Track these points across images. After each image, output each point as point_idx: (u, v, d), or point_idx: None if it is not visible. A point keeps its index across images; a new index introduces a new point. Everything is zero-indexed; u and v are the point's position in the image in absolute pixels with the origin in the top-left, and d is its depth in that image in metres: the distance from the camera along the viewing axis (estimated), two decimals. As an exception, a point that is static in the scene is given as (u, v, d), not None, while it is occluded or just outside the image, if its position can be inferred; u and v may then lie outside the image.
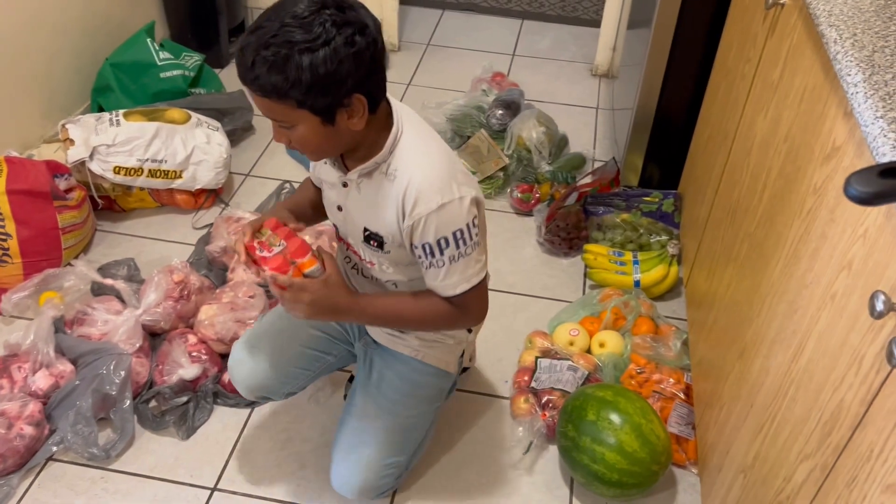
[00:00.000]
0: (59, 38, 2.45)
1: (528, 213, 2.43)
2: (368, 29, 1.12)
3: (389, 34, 3.28)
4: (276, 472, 1.67)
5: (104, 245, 2.25)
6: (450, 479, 1.68)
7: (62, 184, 2.08)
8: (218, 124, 2.44)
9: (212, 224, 2.26)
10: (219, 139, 2.37)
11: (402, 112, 1.27)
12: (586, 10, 3.68)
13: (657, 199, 2.26)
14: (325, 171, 1.36)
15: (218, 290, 1.99)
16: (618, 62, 3.10)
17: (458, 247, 1.24)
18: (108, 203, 2.32)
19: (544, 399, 1.76)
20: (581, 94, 3.08)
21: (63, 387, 1.72)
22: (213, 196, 2.42)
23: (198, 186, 2.32)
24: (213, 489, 1.64)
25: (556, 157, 2.55)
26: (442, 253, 1.25)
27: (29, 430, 1.64)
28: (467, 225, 1.24)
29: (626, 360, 1.86)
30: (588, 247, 2.21)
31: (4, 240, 1.99)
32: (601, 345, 1.91)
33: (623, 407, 1.57)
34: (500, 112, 2.58)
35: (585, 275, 2.22)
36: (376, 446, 1.47)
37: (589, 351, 1.92)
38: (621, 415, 1.56)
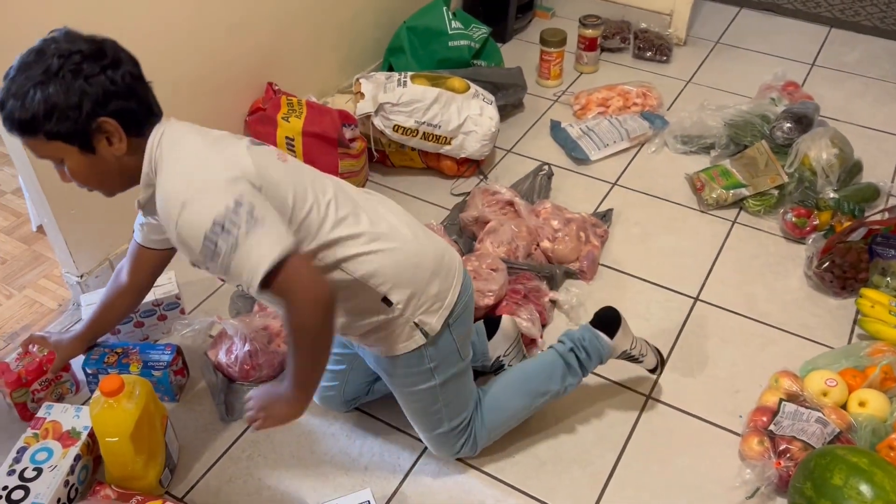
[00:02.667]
0: (367, -2, 2.65)
1: (800, 241, 2.20)
2: (102, 54, 1.18)
3: (678, 27, 3.13)
4: (488, 445, 1.71)
5: (371, 195, 2.42)
6: (656, 497, 1.60)
7: (347, 133, 2.26)
8: (492, 98, 2.49)
9: (468, 193, 2.33)
10: (490, 112, 2.42)
11: (167, 128, 1.26)
12: (912, 24, 3.22)
13: (965, 254, 1.94)
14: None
15: (464, 257, 2.06)
16: (942, 88, 2.69)
17: (218, 245, 1.15)
18: (382, 157, 2.49)
19: (782, 447, 1.60)
20: (887, 119, 2.72)
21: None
22: (474, 166, 2.49)
23: (463, 155, 2.40)
24: (428, 445, 1.71)
25: (844, 184, 2.28)
26: (217, 256, 1.16)
27: (284, 348, 1.83)
28: (214, 223, 1.14)
29: (889, 427, 1.63)
30: (865, 291, 1.96)
31: (292, 175, 2.21)
32: (861, 404, 1.69)
33: (879, 480, 1.38)
34: (789, 125, 2.36)
35: (856, 322, 1.97)
36: (419, 427, 1.57)
37: (844, 407, 1.71)
38: (875, 489, 1.37)
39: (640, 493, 1.61)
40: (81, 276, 2.00)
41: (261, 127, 2.27)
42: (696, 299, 2.05)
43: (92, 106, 1.17)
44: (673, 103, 2.83)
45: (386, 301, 1.37)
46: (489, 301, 1.92)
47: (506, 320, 1.76)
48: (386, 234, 1.36)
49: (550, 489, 1.62)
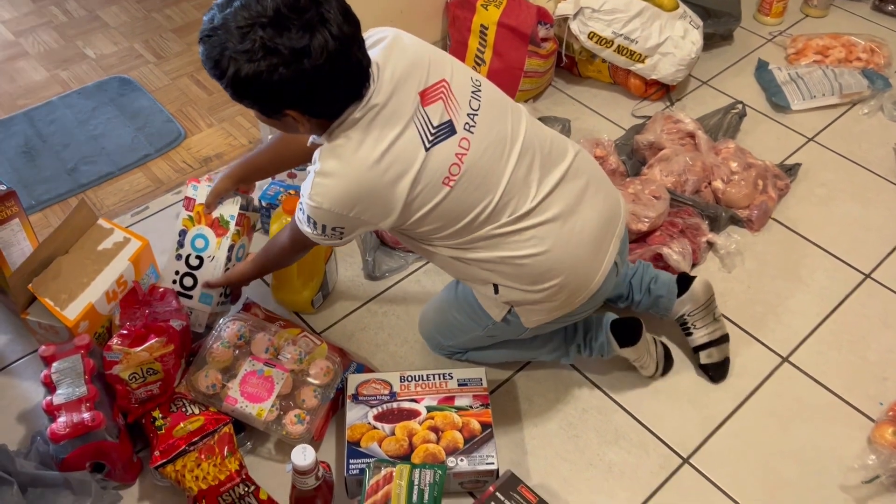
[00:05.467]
0: None
1: None
2: (305, 55, 1.09)
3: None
4: (607, 359, 1.72)
5: (551, 100, 2.41)
6: (767, 455, 1.56)
7: (541, 32, 2.24)
8: (700, 23, 2.36)
9: (650, 117, 2.26)
10: (694, 37, 2.30)
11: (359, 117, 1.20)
12: None
13: None
14: None
15: (628, 179, 2.02)
16: None
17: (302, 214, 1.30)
18: (570, 64, 2.45)
19: (918, 443, 1.50)
20: None
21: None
22: (663, 91, 2.39)
23: (654, 76, 2.32)
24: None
25: None
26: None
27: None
28: (305, 205, 1.27)
29: None
30: None
31: (478, 65, 2.23)
32: None
33: None
34: None
35: None
36: (426, 313, 1.67)
37: None
38: None
39: (749, 447, 1.58)
40: (272, 120, 2.17)
41: (460, 11, 2.30)
42: (868, 276, 1.91)
43: (277, 103, 1.17)
44: (904, 66, 2.55)
45: (495, 287, 1.39)
46: (643, 227, 1.89)
47: (698, 284, 1.65)
48: (538, 241, 1.33)
49: (658, 418, 1.62)
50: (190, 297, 1.65)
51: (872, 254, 1.96)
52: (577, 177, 1.37)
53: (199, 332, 1.67)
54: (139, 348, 1.46)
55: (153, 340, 1.48)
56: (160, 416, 1.49)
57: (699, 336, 1.66)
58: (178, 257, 1.65)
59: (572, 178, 1.36)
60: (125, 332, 1.49)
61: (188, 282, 1.64)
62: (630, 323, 1.59)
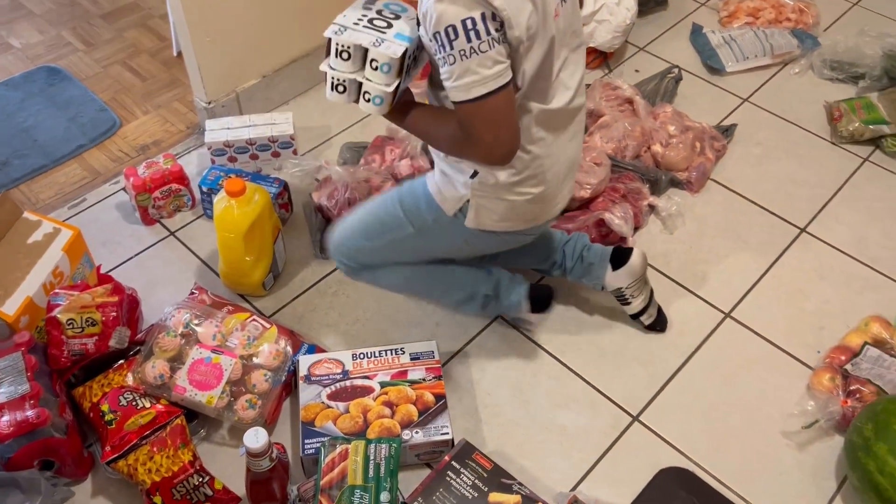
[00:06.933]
0: None
1: (934, 190, 2.05)
2: None
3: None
4: (556, 325, 1.75)
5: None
6: (712, 407, 1.61)
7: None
8: (634, -11, 2.38)
9: (589, 85, 2.28)
10: (629, 4, 2.32)
11: None
12: None
13: None
14: None
15: (570, 147, 2.04)
16: None
17: (450, 46, 1.13)
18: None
19: (853, 387, 1.56)
20: None
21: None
22: (601, 58, 2.42)
23: (591, 44, 2.33)
24: (498, 316, 1.78)
25: None
26: (442, 48, 1.14)
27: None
28: (462, 23, 1.11)
29: (977, 393, 1.56)
30: None
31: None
32: (953, 364, 1.61)
33: (945, 436, 1.34)
34: (956, 65, 2.14)
35: (973, 283, 1.85)
36: (350, 221, 1.56)
37: (934, 364, 1.64)
38: (939, 443, 1.33)
39: (695, 401, 1.63)
40: (209, 103, 2.13)
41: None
42: (803, 230, 1.97)
43: None
44: (831, 25, 2.61)
45: (474, 173, 1.35)
46: (585, 194, 1.91)
47: (636, 258, 1.65)
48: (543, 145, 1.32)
49: (606, 380, 1.66)
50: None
51: (807, 208, 2.03)
52: (580, 112, 1.40)
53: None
54: (84, 292, 1.46)
55: (99, 287, 1.47)
56: (109, 409, 1.47)
57: (637, 304, 1.70)
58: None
59: (578, 110, 1.38)
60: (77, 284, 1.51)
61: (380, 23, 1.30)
62: (544, 292, 1.70)
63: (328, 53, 1.30)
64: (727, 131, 2.21)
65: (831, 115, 2.24)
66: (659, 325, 1.74)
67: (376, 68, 1.26)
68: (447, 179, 1.40)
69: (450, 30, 1.12)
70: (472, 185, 1.36)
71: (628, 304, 1.70)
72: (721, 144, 2.16)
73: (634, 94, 2.17)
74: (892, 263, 1.89)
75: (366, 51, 1.26)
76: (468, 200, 1.39)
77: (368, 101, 1.30)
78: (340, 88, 1.31)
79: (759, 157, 2.17)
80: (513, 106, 1.22)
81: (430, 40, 1.16)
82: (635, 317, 1.72)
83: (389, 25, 1.27)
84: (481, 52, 1.13)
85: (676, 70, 2.32)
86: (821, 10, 2.60)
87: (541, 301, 1.71)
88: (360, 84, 1.30)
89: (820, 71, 2.40)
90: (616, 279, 1.66)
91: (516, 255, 1.66)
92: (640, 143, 2.08)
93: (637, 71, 2.33)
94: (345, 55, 1.27)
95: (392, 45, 1.24)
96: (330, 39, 1.27)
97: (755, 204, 2.04)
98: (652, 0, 2.59)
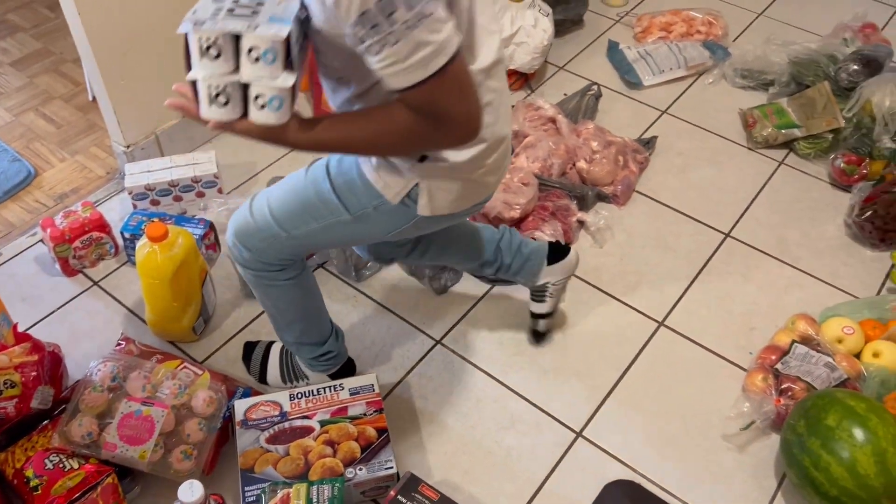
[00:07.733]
0: None
1: (846, 188, 2.13)
2: None
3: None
4: (495, 348, 1.75)
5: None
6: (653, 416, 1.63)
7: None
8: (549, 10, 2.43)
9: (513, 106, 2.31)
10: (545, 25, 2.37)
11: None
12: None
13: None
14: None
15: (498, 169, 2.06)
16: None
17: (388, 24, 0.91)
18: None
19: (785, 385, 1.60)
20: (968, 72, 2.56)
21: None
22: (522, 80, 2.45)
23: (511, 67, 2.37)
24: (437, 342, 1.77)
25: (904, 136, 2.18)
26: (376, 30, 0.92)
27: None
28: None
29: (900, 381, 1.62)
30: (904, 245, 1.90)
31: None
32: (875, 354, 1.67)
33: (873, 426, 1.38)
34: (856, 68, 2.24)
35: (888, 276, 1.93)
36: (268, 200, 1.31)
37: (858, 357, 1.70)
38: (868, 433, 1.37)
39: (636, 412, 1.64)
40: (128, 147, 2.08)
41: None
42: (727, 235, 2.03)
43: None
44: (739, 35, 2.71)
45: (422, 157, 1.17)
46: (515, 214, 1.93)
47: (573, 254, 1.65)
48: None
49: (548, 397, 1.67)
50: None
51: (729, 213, 2.09)
52: (505, 72, 1.23)
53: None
54: (1, 353, 1.40)
55: (17, 347, 1.40)
56: (34, 474, 1.40)
57: (548, 305, 1.70)
58: None
59: (503, 67, 1.20)
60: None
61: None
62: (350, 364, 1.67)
63: (188, 59, 1.03)
64: (648, 143, 2.26)
65: (746, 122, 2.32)
66: (543, 338, 1.77)
67: (258, 59, 0.99)
68: (386, 163, 1.20)
69: (384, 2, 0.90)
70: (421, 169, 1.18)
71: (543, 301, 1.69)
72: (643, 157, 2.21)
73: (556, 112, 2.21)
74: (812, 262, 1.96)
75: (238, 40, 0.99)
76: (416, 184, 1.20)
77: (263, 106, 1.03)
78: (222, 99, 1.03)
79: (680, 167, 2.22)
80: (468, 65, 1.02)
81: (355, 26, 0.93)
82: (537, 317, 1.73)
83: (255, 12, 1.00)
84: (426, 14, 0.92)
85: (596, 87, 2.38)
86: (728, 21, 2.70)
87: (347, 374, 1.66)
88: (246, 87, 1.03)
89: (732, 80, 2.49)
90: (549, 273, 1.64)
91: (444, 254, 1.61)
92: (565, 160, 2.11)
93: (565, 94, 2.37)
94: (213, 52, 1.00)
95: (272, 26, 0.98)
96: (187, 37, 1.00)
97: (680, 213, 2.09)
98: (568, 20, 2.64)
